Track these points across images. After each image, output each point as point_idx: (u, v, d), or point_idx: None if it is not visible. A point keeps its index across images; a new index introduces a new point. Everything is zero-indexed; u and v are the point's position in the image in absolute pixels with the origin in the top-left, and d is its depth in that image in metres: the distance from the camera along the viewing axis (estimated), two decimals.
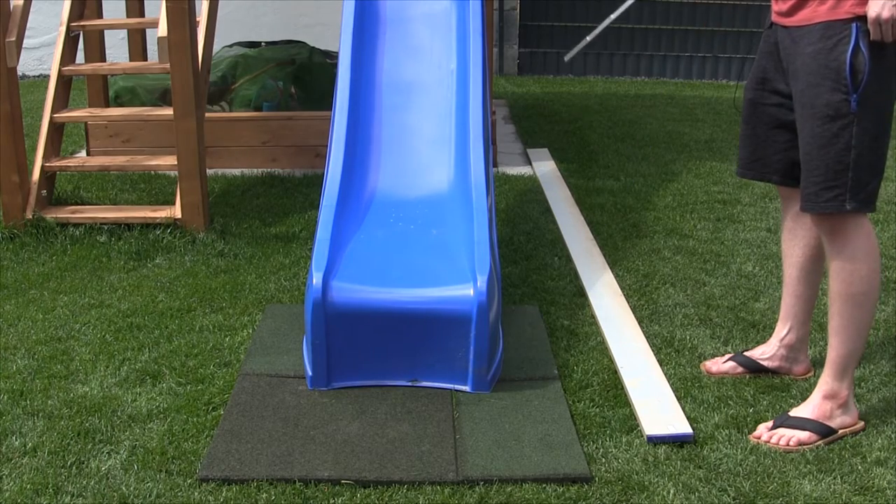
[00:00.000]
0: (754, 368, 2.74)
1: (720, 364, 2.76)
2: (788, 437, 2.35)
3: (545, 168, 5.19)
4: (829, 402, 2.39)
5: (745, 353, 2.78)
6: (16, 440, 2.34)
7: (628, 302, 3.25)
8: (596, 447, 2.34)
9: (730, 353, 2.84)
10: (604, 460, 2.28)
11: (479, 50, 3.55)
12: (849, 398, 2.41)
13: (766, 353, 2.75)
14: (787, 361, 2.72)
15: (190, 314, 3.18)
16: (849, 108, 2.28)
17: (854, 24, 2.26)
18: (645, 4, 9.46)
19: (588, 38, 2.34)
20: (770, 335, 2.81)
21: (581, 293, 3.36)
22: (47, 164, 4.19)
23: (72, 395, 2.60)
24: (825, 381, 2.42)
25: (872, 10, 2.22)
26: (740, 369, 2.74)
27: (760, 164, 2.62)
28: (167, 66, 3.92)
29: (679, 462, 2.27)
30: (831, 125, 2.30)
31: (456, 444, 2.34)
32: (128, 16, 5.38)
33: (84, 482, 2.16)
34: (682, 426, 2.40)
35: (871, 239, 2.36)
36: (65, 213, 4.09)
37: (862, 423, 2.45)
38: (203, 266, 3.66)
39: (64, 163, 4.33)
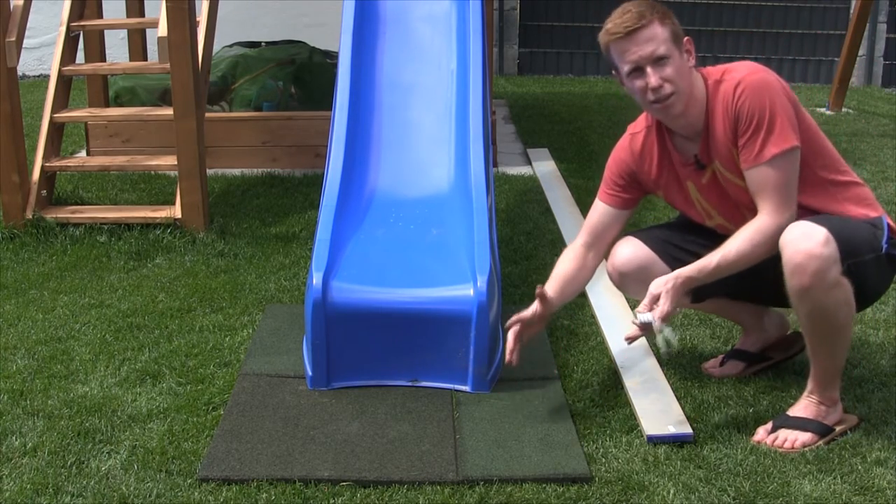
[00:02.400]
0: (749, 360, 2.74)
1: (720, 368, 2.76)
2: (792, 439, 2.34)
3: (545, 168, 5.20)
4: (823, 404, 2.39)
5: (735, 349, 2.79)
6: (16, 440, 2.34)
7: (628, 302, 3.25)
8: (596, 447, 2.34)
9: (726, 353, 2.84)
10: (604, 460, 2.28)
11: (479, 50, 3.55)
12: (838, 394, 2.42)
13: (747, 340, 2.77)
14: (764, 341, 2.76)
15: (190, 314, 3.18)
16: (881, 245, 2.30)
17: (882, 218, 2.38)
18: None
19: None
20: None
21: (581, 293, 3.35)
22: (47, 164, 4.19)
23: (72, 395, 2.59)
24: (814, 390, 2.41)
25: (654, 287, 2.27)
26: (740, 366, 2.74)
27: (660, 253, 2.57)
28: (167, 66, 3.92)
29: (679, 462, 2.27)
30: (865, 232, 2.30)
31: (456, 444, 2.34)
32: (128, 16, 5.38)
33: (84, 482, 2.16)
34: (682, 426, 2.40)
35: (847, 287, 2.26)
36: (65, 213, 4.09)
37: (855, 418, 2.45)
38: (203, 266, 3.66)
39: (64, 163, 4.33)
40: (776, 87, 2.30)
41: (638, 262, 2.59)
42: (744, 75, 2.31)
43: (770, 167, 2.27)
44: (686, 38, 2.35)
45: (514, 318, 2.46)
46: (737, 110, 2.29)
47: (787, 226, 2.24)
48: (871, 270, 2.31)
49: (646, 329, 2.28)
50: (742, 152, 2.30)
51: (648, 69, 2.30)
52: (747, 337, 2.78)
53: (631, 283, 2.63)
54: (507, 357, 2.43)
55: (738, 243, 2.28)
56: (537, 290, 2.44)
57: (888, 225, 2.38)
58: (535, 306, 2.47)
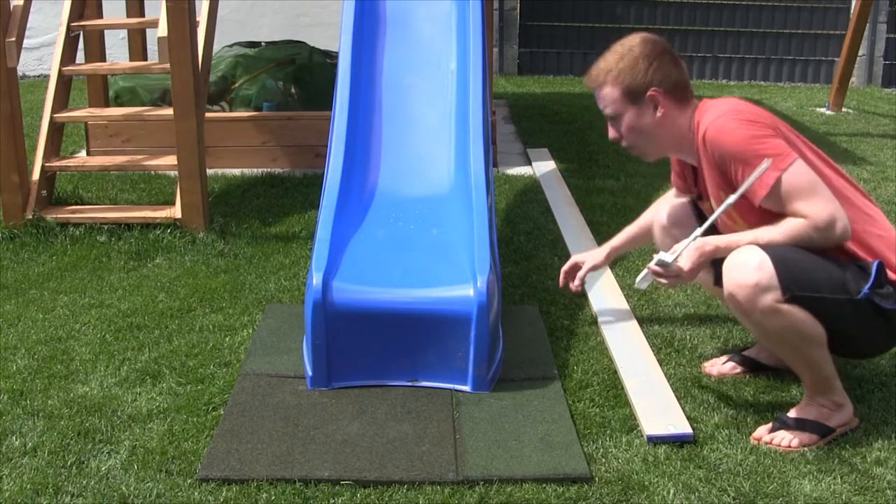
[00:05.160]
0: (753, 367, 2.74)
1: (720, 366, 2.76)
2: (790, 438, 2.34)
3: (545, 168, 5.19)
4: (824, 406, 2.39)
5: (744, 353, 2.78)
6: (16, 440, 2.34)
7: (628, 302, 3.25)
8: (596, 447, 2.34)
9: (730, 353, 2.84)
10: (604, 460, 2.28)
11: (479, 50, 3.55)
12: (842, 399, 2.41)
13: (762, 351, 2.75)
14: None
15: (190, 314, 3.18)
16: (859, 290, 2.24)
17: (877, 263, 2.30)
18: (645, 5, 9.47)
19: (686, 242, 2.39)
20: None
21: (581, 293, 3.36)
22: (47, 164, 4.19)
23: (72, 395, 2.59)
24: (811, 394, 2.41)
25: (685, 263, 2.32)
26: (739, 369, 2.74)
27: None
28: (167, 66, 3.92)
29: (679, 462, 2.27)
30: (830, 270, 2.25)
31: (456, 444, 2.34)
32: (128, 16, 5.38)
33: (84, 482, 2.16)
34: (682, 426, 2.40)
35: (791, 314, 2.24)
36: (65, 213, 4.09)
37: (857, 420, 2.45)
38: (203, 266, 3.66)
39: (64, 163, 4.33)
40: (735, 126, 2.27)
41: (676, 217, 2.69)
42: (707, 124, 2.32)
43: (777, 190, 2.25)
44: (651, 92, 2.39)
45: (582, 258, 3.00)
46: (717, 160, 2.33)
47: (827, 226, 2.22)
48: (844, 314, 2.26)
49: (660, 270, 2.32)
50: (748, 193, 2.30)
51: (608, 122, 2.50)
52: (762, 349, 2.76)
53: (662, 235, 2.73)
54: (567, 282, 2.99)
55: (773, 232, 2.27)
56: (611, 247, 3.00)
57: (883, 272, 2.27)
58: (601, 255, 2.99)
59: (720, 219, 2.41)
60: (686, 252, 2.31)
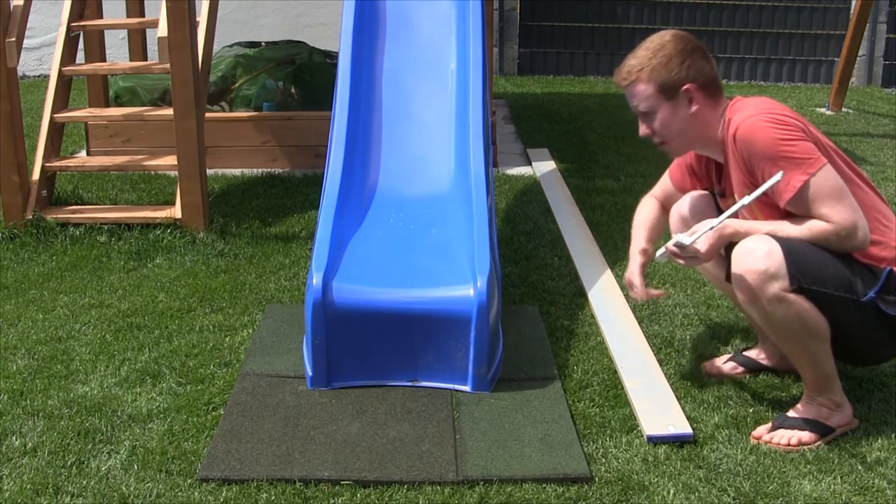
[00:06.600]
0: (754, 368, 2.74)
1: (720, 365, 2.76)
2: (789, 436, 2.35)
3: (545, 168, 5.20)
4: (823, 406, 2.39)
5: (745, 353, 2.78)
6: (16, 440, 2.34)
7: (628, 302, 3.25)
8: (596, 447, 2.34)
9: (729, 353, 2.84)
10: (604, 460, 2.28)
11: (479, 50, 3.55)
12: (841, 399, 2.41)
13: (763, 352, 2.75)
14: (784, 359, 2.72)
15: (190, 314, 3.18)
16: (865, 293, 2.25)
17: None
18: (645, 5, 9.47)
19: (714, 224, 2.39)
20: None
21: (581, 293, 3.36)
22: (47, 164, 4.20)
23: (72, 395, 2.60)
24: (810, 392, 2.41)
25: (701, 245, 2.32)
26: (740, 369, 2.74)
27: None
28: (167, 66, 3.92)
29: (679, 462, 2.27)
30: (838, 268, 2.25)
31: (456, 444, 2.34)
32: (128, 16, 5.38)
33: (84, 482, 2.16)
34: (682, 426, 2.40)
35: (797, 304, 2.26)
36: (65, 213, 4.09)
37: (857, 421, 2.45)
38: (203, 266, 3.66)
39: (64, 163, 4.33)
40: (767, 126, 2.26)
41: (697, 209, 2.64)
42: (739, 122, 2.31)
43: (803, 194, 2.24)
44: (686, 87, 2.37)
45: (633, 275, 2.62)
46: (745, 158, 2.31)
47: (849, 234, 2.23)
48: (847, 313, 2.27)
49: (677, 251, 2.34)
50: (773, 194, 2.29)
51: (639, 119, 2.47)
52: (763, 349, 2.77)
53: (681, 226, 2.67)
54: (645, 295, 2.60)
55: (793, 229, 2.27)
56: (640, 249, 2.65)
57: (892, 279, 2.28)
58: (639, 260, 2.63)
59: (740, 213, 2.41)
60: (704, 235, 2.32)
